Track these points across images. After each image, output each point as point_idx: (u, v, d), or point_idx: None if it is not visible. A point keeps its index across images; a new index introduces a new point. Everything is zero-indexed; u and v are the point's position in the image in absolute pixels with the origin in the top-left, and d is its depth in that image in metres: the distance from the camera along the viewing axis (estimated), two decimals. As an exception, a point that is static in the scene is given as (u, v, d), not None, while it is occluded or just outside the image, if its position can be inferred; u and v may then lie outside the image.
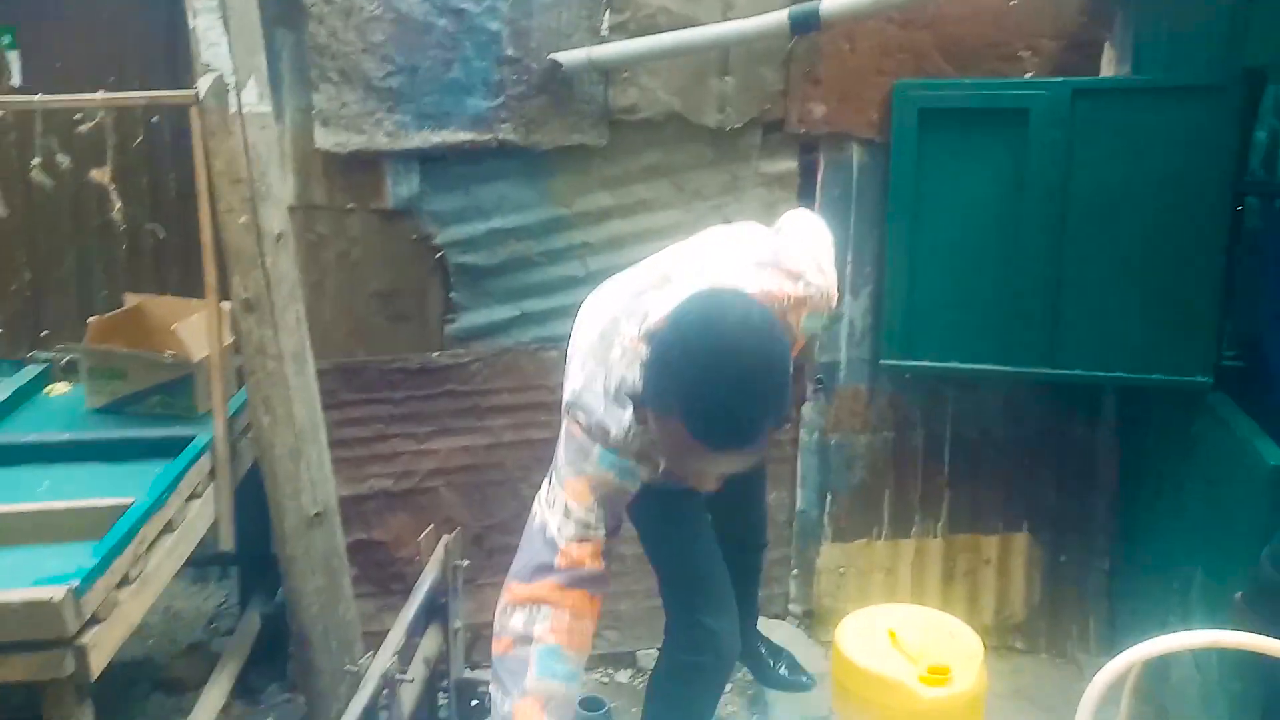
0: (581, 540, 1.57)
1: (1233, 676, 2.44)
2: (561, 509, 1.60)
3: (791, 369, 1.42)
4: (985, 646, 3.14)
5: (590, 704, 1.93)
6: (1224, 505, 2.59)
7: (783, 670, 2.52)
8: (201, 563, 3.42)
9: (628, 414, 1.54)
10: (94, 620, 1.87)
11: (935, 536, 3.10)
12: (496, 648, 1.62)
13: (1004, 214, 2.81)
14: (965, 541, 3.10)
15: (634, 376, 1.50)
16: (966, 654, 2.17)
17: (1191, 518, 2.76)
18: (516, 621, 1.58)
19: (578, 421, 1.61)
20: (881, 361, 2.95)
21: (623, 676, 3.08)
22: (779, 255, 1.71)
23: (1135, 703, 2.81)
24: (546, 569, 1.57)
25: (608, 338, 1.63)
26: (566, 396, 1.67)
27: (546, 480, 1.71)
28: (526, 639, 1.55)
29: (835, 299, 1.83)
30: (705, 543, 2.02)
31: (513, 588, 1.61)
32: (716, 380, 1.30)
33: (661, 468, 1.62)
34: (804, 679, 2.50)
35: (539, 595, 1.56)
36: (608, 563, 1.60)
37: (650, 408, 1.41)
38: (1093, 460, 3.08)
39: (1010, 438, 3.05)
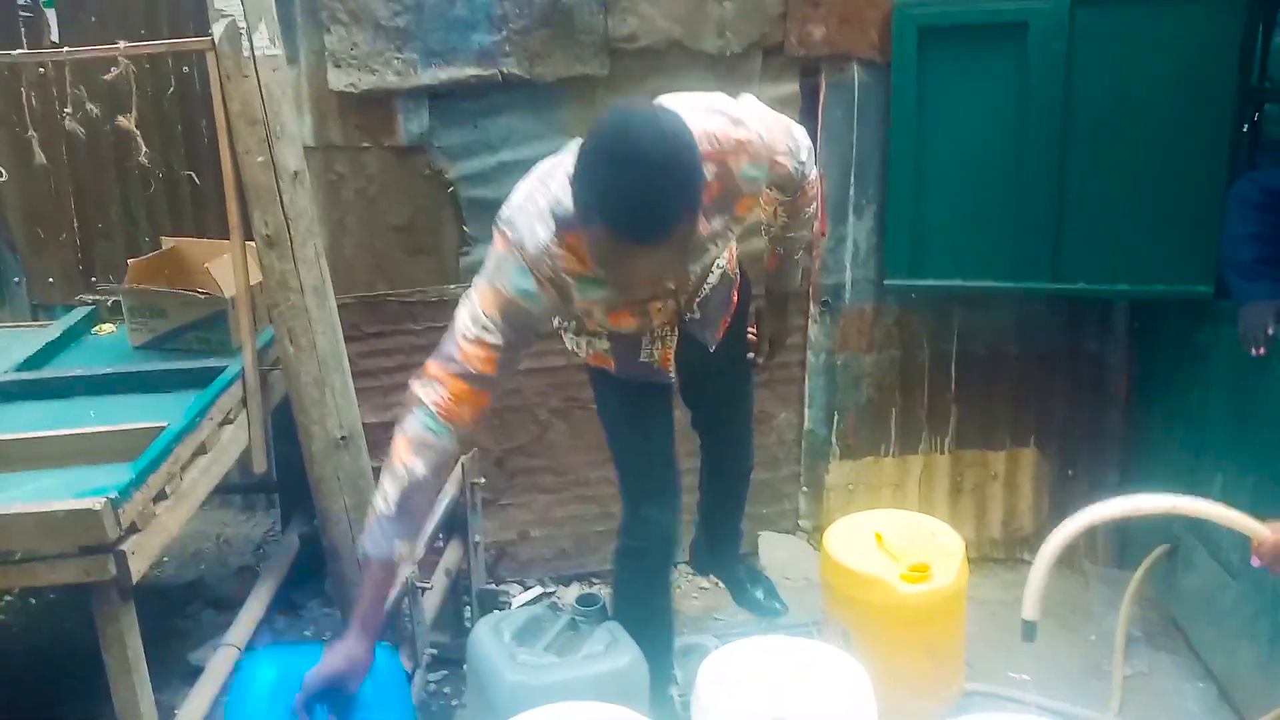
0: (477, 341, 1.70)
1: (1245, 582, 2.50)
2: (469, 311, 1.75)
3: (703, 176, 1.53)
4: (992, 558, 3.26)
5: (586, 600, 2.07)
6: (1238, 409, 2.63)
7: (759, 594, 2.66)
8: (247, 489, 3.64)
9: (547, 234, 1.67)
10: (133, 529, 2.04)
11: (942, 452, 3.17)
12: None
13: (1007, 129, 2.82)
14: (973, 457, 3.17)
15: (567, 199, 1.61)
16: (947, 553, 2.26)
17: (1205, 424, 2.79)
18: (414, 389, 1.76)
19: (504, 234, 1.73)
20: (886, 281, 3.00)
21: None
22: (725, 102, 1.82)
23: (1140, 609, 2.91)
24: (448, 358, 1.73)
25: (554, 165, 1.77)
26: (502, 211, 1.78)
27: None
28: (417, 400, 1.75)
29: (796, 166, 1.93)
30: (658, 440, 2.17)
31: (426, 365, 1.78)
32: (625, 175, 1.43)
33: (576, 304, 1.78)
34: (777, 606, 2.64)
35: (436, 375, 1.74)
36: (503, 372, 1.74)
37: (579, 219, 1.54)
38: (1103, 373, 3.12)
39: (1019, 353, 3.09)
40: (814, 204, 2.10)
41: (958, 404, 3.14)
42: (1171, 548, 2.90)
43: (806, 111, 2.95)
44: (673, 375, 2.10)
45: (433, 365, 1.75)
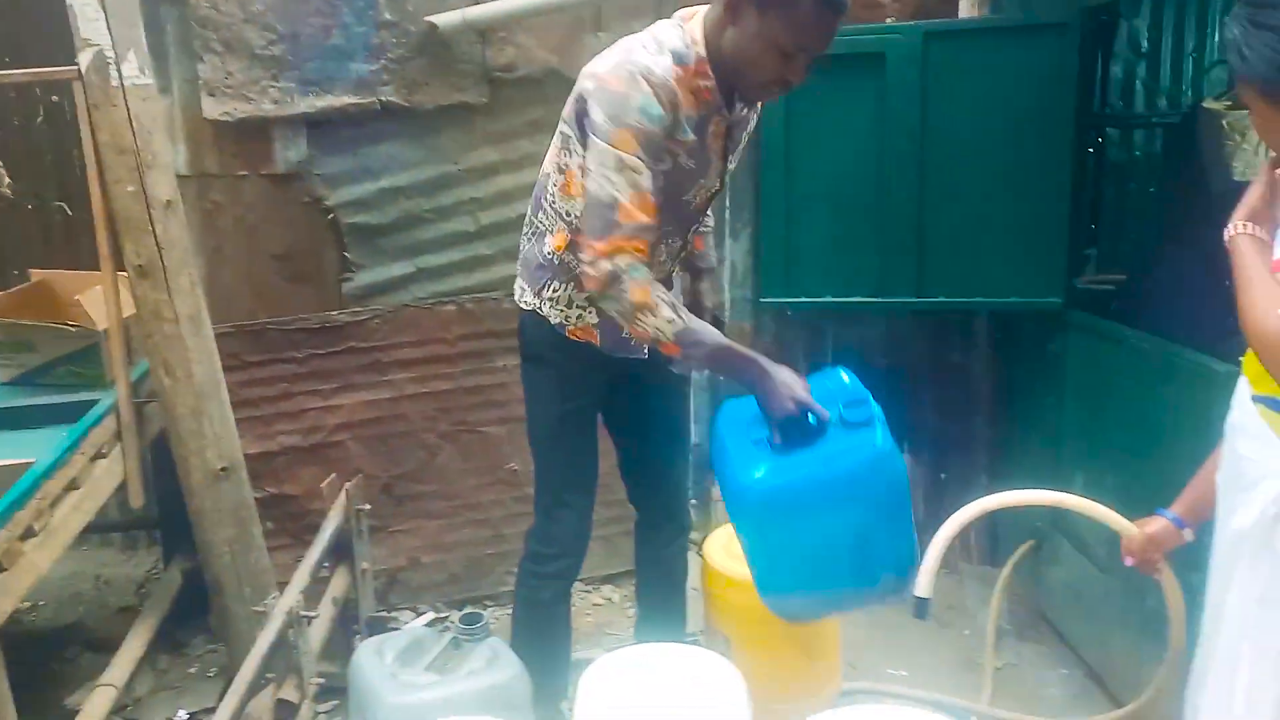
0: (636, 191, 1.78)
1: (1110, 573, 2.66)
2: (613, 164, 1.78)
3: None
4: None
5: (470, 619, 2.09)
6: (1091, 414, 2.81)
7: None
8: (127, 527, 3.54)
9: (666, 65, 1.79)
10: (-2, 569, 1.99)
11: (821, 463, 3.29)
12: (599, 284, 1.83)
13: (869, 154, 2.97)
14: (850, 466, 3.29)
15: (673, 45, 1.81)
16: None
17: (1062, 429, 2.98)
18: (603, 266, 1.80)
19: (619, 75, 1.79)
20: (762, 299, 3.13)
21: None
22: None
23: (1009, 604, 3.06)
24: (615, 225, 1.79)
25: (641, 36, 1.87)
26: (595, 70, 1.85)
27: (561, 168, 1.97)
28: (621, 267, 1.79)
29: None
30: (583, 454, 2.23)
31: (593, 244, 1.81)
32: None
33: (690, 135, 1.86)
34: None
35: (615, 245, 1.79)
36: (657, 217, 1.84)
37: (762, 7, 1.72)
38: (969, 382, 3.29)
39: (890, 365, 3.25)
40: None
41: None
42: (1037, 543, 3.07)
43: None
44: (646, 352, 2.12)
45: (602, 243, 1.79)
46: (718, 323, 2.28)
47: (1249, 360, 1.48)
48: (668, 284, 2.11)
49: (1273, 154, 1.47)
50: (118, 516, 3.35)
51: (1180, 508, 1.78)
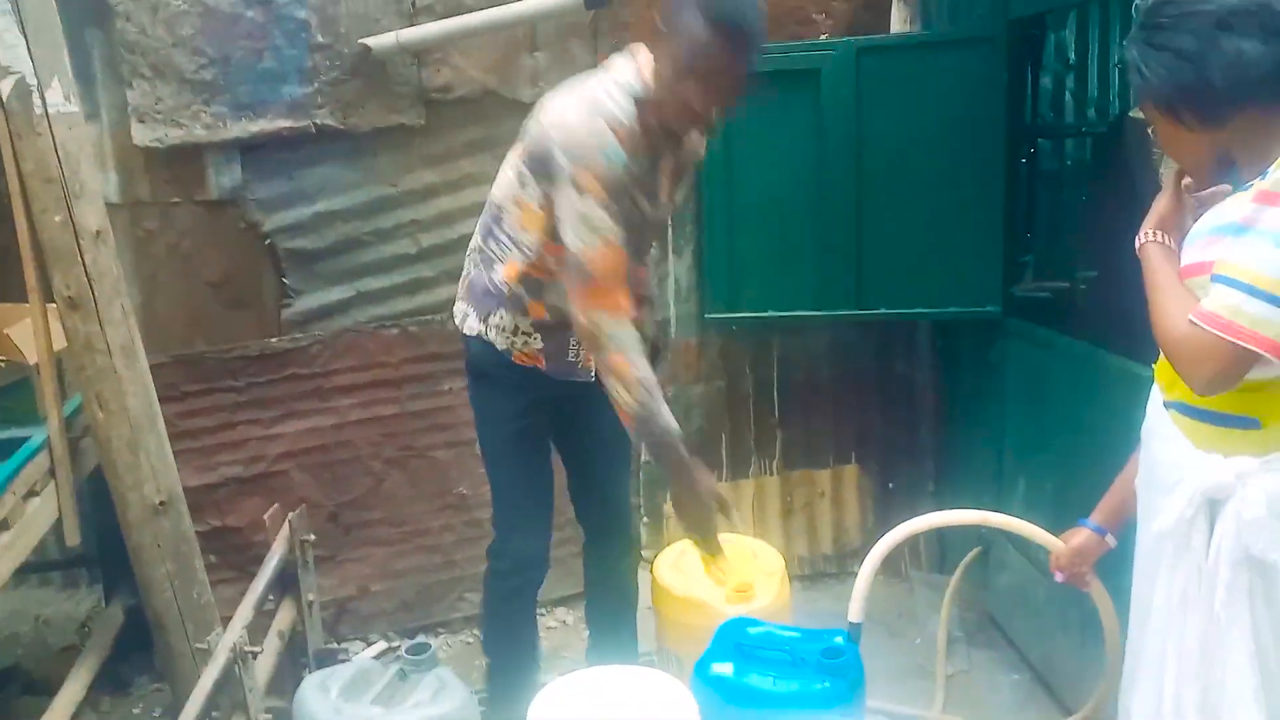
0: (607, 245, 1.83)
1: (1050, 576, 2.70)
2: (583, 222, 1.82)
3: None
4: (826, 573, 3.42)
5: (417, 649, 2.06)
6: (1031, 420, 2.86)
7: None
8: (66, 565, 3.45)
9: (629, 107, 1.85)
10: (-76, 614, 1.92)
11: (772, 475, 3.32)
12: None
13: (808, 169, 3.01)
14: (800, 477, 3.33)
15: (634, 74, 1.87)
16: (769, 571, 2.37)
17: (1004, 436, 3.02)
18: (595, 318, 1.87)
19: (586, 128, 1.83)
20: (707, 315, 3.14)
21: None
22: None
23: (960, 610, 3.09)
24: (589, 279, 1.85)
25: (596, 80, 1.91)
26: (562, 120, 1.86)
27: (518, 203, 1.99)
28: (609, 323, 1.87)
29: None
30: (537, 471, 2.24)
31: (573, 298, 1.88)
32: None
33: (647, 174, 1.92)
34: None
35: (590, 301, 1.86)
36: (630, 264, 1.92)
37: (689, 53, 1.75)
38: (913, 392, 3.34)
39: (835, 377, 3.28)
40: None
41: (782, 428, 3.30)
42: (983, 550, 3.11)
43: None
44: (593, 376, 2.13)
45: (588, 295, 1.85)
46: (656, 351, 2.26)
47: (1161, 367, 1.52)
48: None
49: (1176, 165, 1.52)
50: (57, 554, 3.26)
51: (1100, 515, 1.82)
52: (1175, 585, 1.49)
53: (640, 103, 1.87)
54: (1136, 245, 1.52)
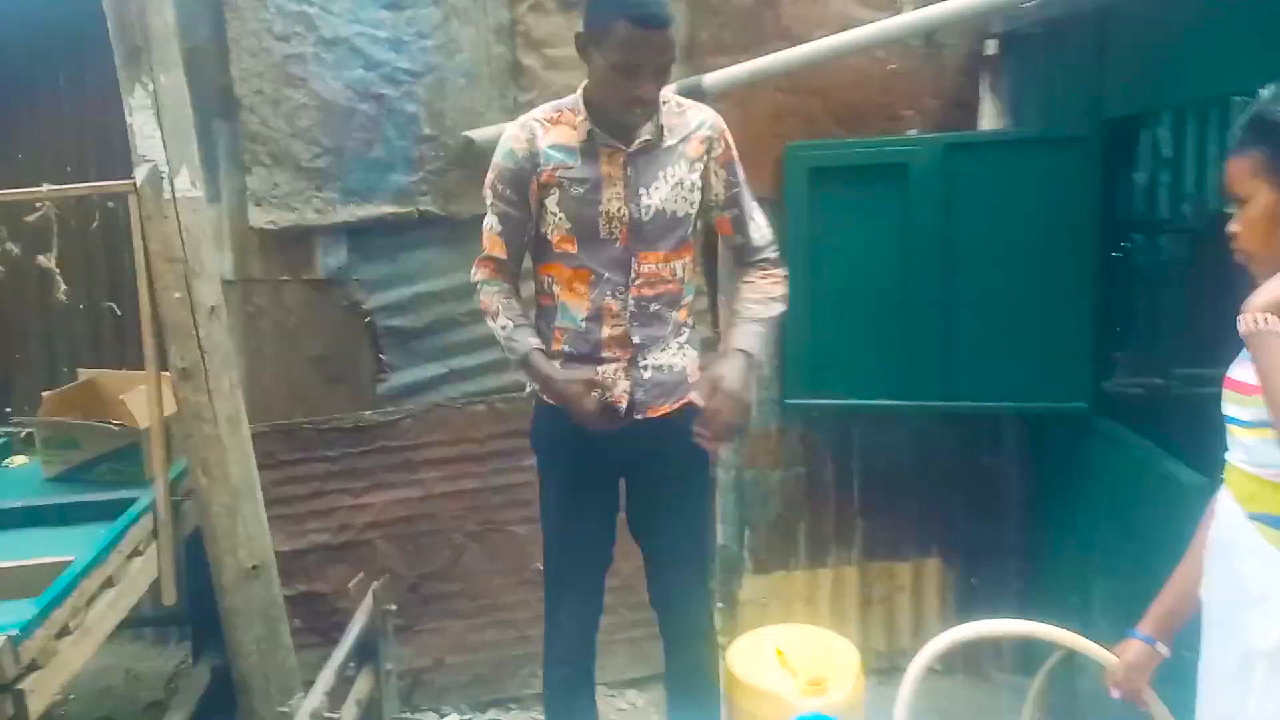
0: (488, 230, 2.17)
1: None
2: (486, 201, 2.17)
3: None
4: (902, 667, 3.32)
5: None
6: (1118, 522, 2.78)
7: None
8: (159, 622, 3.57)
9: (539, 113, 2.12)
10: (33, 667, 2.02)
11: (850, 565, 3.27)
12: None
13: (893, 259, 3.02)
14: (880, 569, 3.27)
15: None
16: (844, 666, 2.34)
17: (1091, 536, 2.94)
18: (474, 272, 2.23)
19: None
20: (787, 401, 3.15)
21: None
22: None
23: (1042, 715, 2.98)
24: (482, 249, 2.20)
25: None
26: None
27: None
28: (479, 278, 2.21)
29: (737, 178, 2.20)
30: (586, 549, 2.24)
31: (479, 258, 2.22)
32: None
33: (542, 170, 2.07)
34: None
35: (476, 264, 2.21)
36: (510, 250, 2.17)
37: (594, 37, 1.94)
38: (998, 486, 3.27)
39: (917, 468, 3.24)
40: (779, 300, 2.20)
41: (862, 518, 3.26)
42: (1066, 653, 2.99)
43: (708, 247, 3.14)
44: (623, 414, 2.12)
45: (479, 257, 2.21)
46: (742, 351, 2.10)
47: (1239, 478, 1.48)
48: (640, 323, 2.12)
49: None
50: (150, 611, 3.38)
51: (1150, 625, 1.75)
52: (1271, 704, 1.43)
53: (586, 101, 2.05)
54: (1244, 329, 1.37)
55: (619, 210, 2.06)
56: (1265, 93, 1.44)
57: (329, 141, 2.92)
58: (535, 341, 2.12)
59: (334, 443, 3.04)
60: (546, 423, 2.22)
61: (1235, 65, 2.26)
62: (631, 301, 2.10)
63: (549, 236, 2.11)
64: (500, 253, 2.16)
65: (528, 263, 2.21)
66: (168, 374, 2.66)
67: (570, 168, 2.06)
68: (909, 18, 2.81)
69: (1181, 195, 3.74)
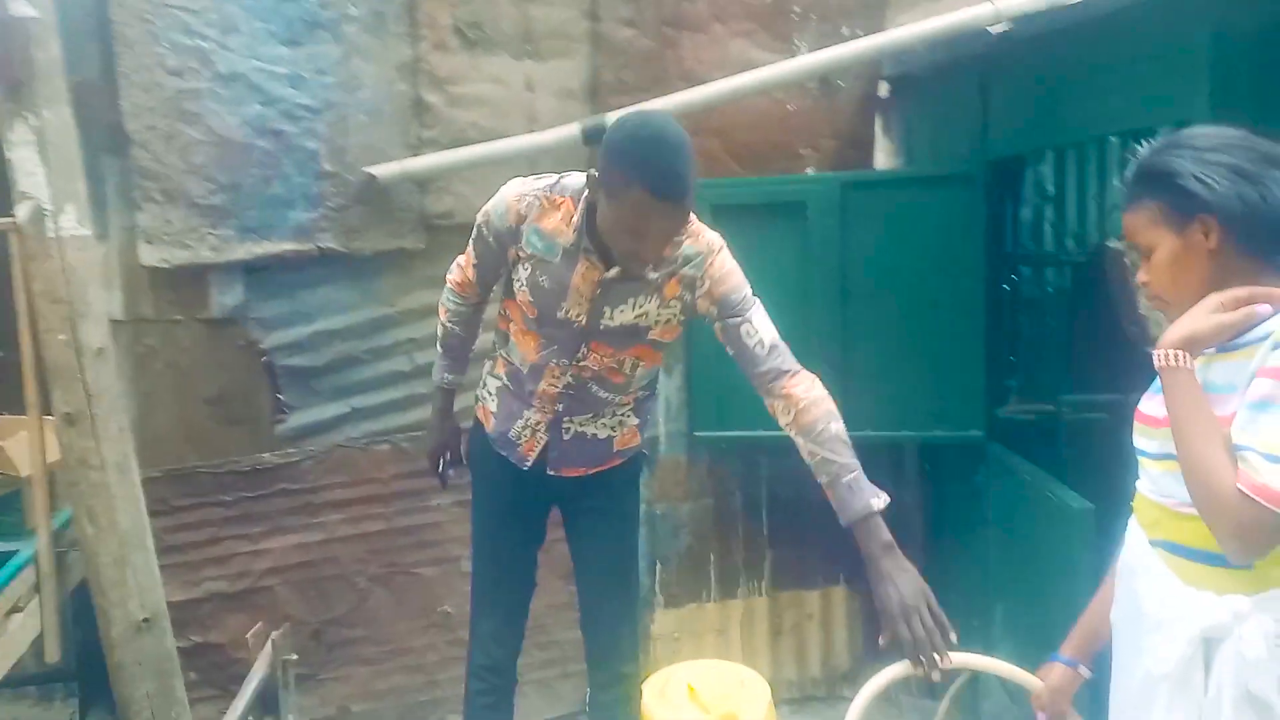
0: (468, 254, 2.21)
1: (1025, 704, 2.68)
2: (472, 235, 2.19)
3: None
4: (814, 697, 3.38)
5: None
6: (1011, 545, 2.87)
7: None
8: (44, 679, 3.39)
9: (542, 188, 2.03)
10: (-101, 737, 1.90)
11: (760, 595, 3.31)
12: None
13: (793, 294, 3.09)
14: (789, 598, 3.32)
15: (569, 183, 2.03)
16: (754, 700, 2.36)
17: (986, 559, 3.03)
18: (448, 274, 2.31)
19: (508, 189, 2.07)
20: (696, 433, 3.18)
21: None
22: None
23: (950, 735, 3.05)
24: (460, 258, 2.26)
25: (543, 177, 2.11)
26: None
27: None
28: (446, 281, 2.31)
29: (738, 299, 2.13)
30: (508, 569, 2.27)
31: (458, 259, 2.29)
32: (663, 149, 1.79)
33: (520, 245, 2.05)
34: None
35: (454, 266, 2.29)
36: (480, 277, 2.22)
37: (609, 187, 1.83)
38: (900, 513, 3.30)
39: (822, 498, 3.28)
40: (826, 419, 2.06)
41: (771, 547, 3.31)
42: (971, 675, 3.07)
43: (614, 279, 3.16)
44: (528, 465, 2.17)
45: (457, 259, 2.28)
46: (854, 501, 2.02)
47: (1143, 505, 1.55)
48: (575, 394, 2.12)
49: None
50: (33, 668, 3.21)
51: (1071, 648, 1.81)
52: (1174, 721, 1.48)
53: (578, 200, 1.98)
54: (1159, 362, 1.41)
55: (578, 316, 2.05)
56: (1146, 148, 1.52)
57: (225, 178, 2.85)
58: (448, 378, 2.36)
59: (230, 486, 2.94)
60: (481, 447, 2.26)
61: (1109, 109, 2.40)
62: (571, 377, 2.11)
63: (515, 292, 2.11)
64: (471, 275, 2.23)
65: None
66: (51, 419, 2.55)
67: (546, 263, 2.02)
68: (805, 60, 2.90)
69: (1064, 230, 3.94)
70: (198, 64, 2.81)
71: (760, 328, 2.11)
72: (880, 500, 1.98)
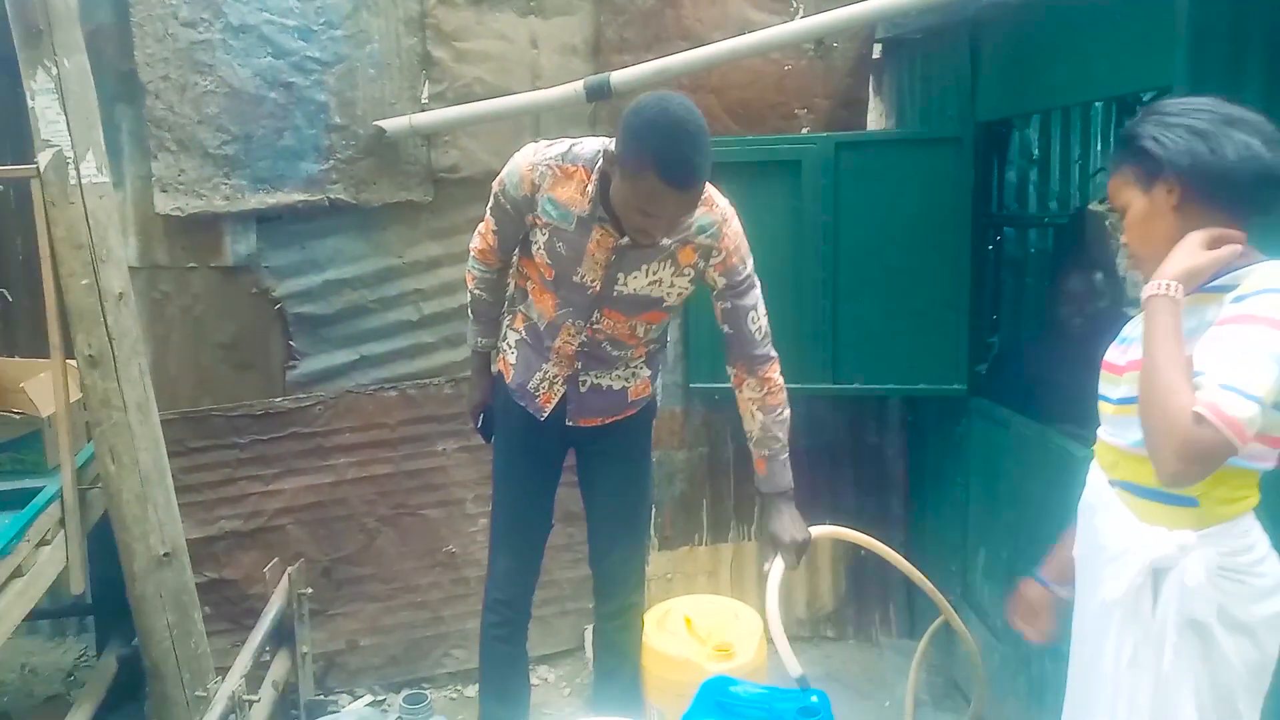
0: (486, 222, 2.28)
1: (1006, 644, 2.85)
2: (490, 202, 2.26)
3: None
4: (799, 637, 3.54)
5: (413, 699, 2.17)
6: (989, 492, 3.02)
7: None
8: (57, 614, 3.51)
9: (556, 154, 2.10)
10: (-55, 656, 2.02)
11: (750, 540, 3.46)
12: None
13: (787, 251, 3.21)
14: (777, 543, 3.46)
15: (583, 150, 2.09)
16: (748, 632, 2.51)
17: (969, 507, 3.19)
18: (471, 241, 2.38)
19: (522, 154, 2.14)
20: (692, 385, 3.31)
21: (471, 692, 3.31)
22: None
23: (927, 675, 3.22)
24: (481, 226, 2.33)
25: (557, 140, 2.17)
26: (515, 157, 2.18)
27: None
28: (470, 249, 2.38)
29: (744, 273, 2.26)
30: (528, 507, 2.41)
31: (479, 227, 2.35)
32: (680, 137, 1.85)
33: (536, 212, 2.13)
34: None
35: (476, 234, 2.35)
36: (500, 245, 2.28)
37: (624, 167, 1.91)
38: (883, 463, 3.50)
39: (810, 447, 3.43)
40: (783, 406, 2.36)
41: (761, 495, 3.43)
42: (945, 620, 3.24)
43: (614, 234, 3.26)
44: (544, 416, 2.30)
45: (478, 228, 2.34)
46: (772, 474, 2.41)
47: (1103, 449, 1.69)
48: (589, 351, 2.25)
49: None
50: (47, 603, 3.33)
51: (1048, 570, 1.94)
52: (1125, 649, 1.62)
53: (592, 169, 2.06)
54: (1150, 292, 1.52)
55: (593, 281, 2.15)
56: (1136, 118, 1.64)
57: (237, 128, 2.92)
58: (481, 342, 2.45)
59: (244, 429, 3.04)
60: (501, 397, 2.38)
61: (1092, 74, 2.50)
62: (585, 338, 2.23)
63: (533, 254, 2.20)
64: (493, 242, 2.28)
65: None
66: (72, 361, 2.64)
67: (562, 230, 2.11)
68: (803, 24, 2.98)
69: (1049, 192, 4.06)
70: (210, 15, 2.87)
71: (762, 314, 2.29)
72: (789, 479, 2.41)
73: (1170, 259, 1.53)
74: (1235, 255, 1.53)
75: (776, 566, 2.28)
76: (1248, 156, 1.50)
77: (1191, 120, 1.54)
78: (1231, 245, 1.53)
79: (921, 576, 2.41)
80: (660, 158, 1.84)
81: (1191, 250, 1.52)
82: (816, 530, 2.37)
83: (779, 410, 2.35)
